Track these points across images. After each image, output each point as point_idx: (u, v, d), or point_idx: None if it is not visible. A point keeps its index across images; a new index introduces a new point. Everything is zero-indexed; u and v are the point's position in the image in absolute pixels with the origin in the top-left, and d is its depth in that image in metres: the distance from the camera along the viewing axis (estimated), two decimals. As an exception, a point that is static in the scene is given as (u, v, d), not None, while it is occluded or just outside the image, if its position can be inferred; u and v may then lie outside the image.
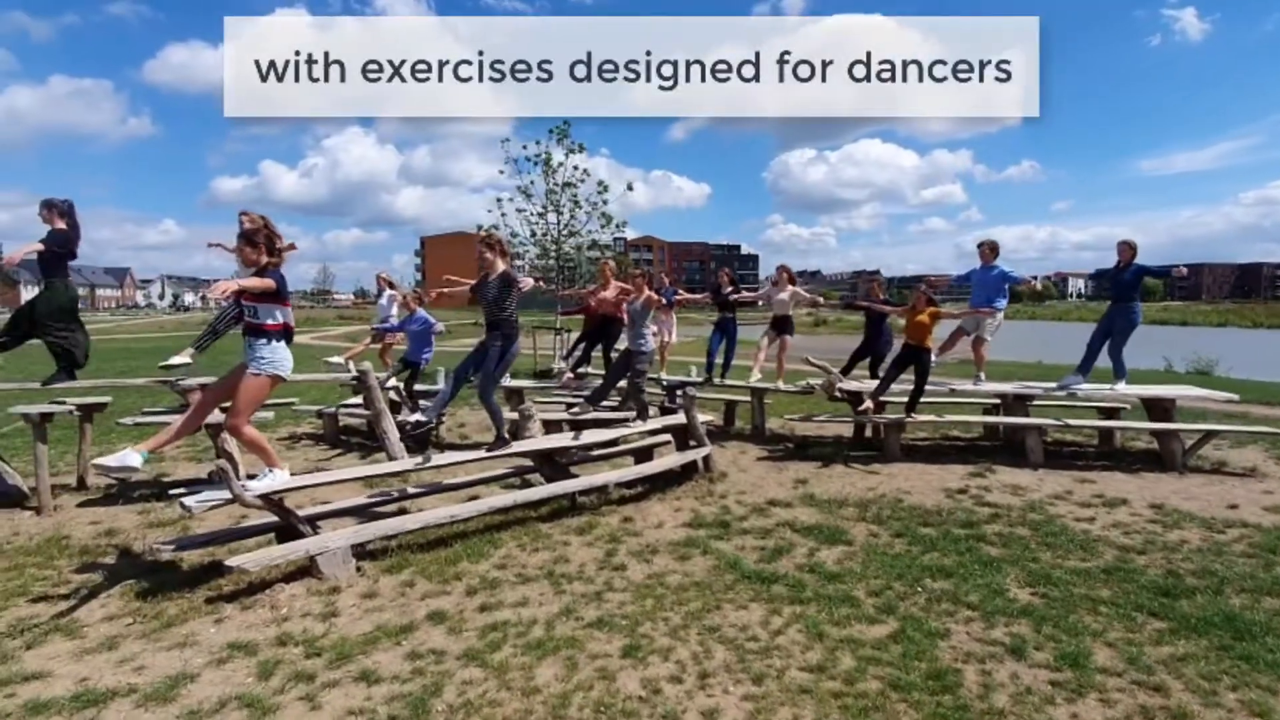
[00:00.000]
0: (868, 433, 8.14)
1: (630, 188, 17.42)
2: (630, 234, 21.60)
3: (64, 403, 5.96)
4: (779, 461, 7.24)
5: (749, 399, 8.86)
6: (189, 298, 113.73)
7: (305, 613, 3.66)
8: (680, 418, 6.45)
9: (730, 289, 8.71)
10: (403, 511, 5.21)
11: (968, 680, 2.98)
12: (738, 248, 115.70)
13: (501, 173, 16.33)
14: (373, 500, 5.10)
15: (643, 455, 6.74)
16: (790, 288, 8.47)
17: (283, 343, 4.09)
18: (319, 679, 3.01)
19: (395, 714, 2.75)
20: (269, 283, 3.93)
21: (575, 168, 15.99)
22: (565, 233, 16.53)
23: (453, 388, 5.13)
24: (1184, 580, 4.08)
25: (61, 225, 5.76)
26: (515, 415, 6.43)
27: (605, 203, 16.19)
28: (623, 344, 8.06)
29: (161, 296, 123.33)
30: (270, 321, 4.03)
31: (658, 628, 3.48)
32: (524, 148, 16.23)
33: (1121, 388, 7.34)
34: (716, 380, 8.75)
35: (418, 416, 5.07)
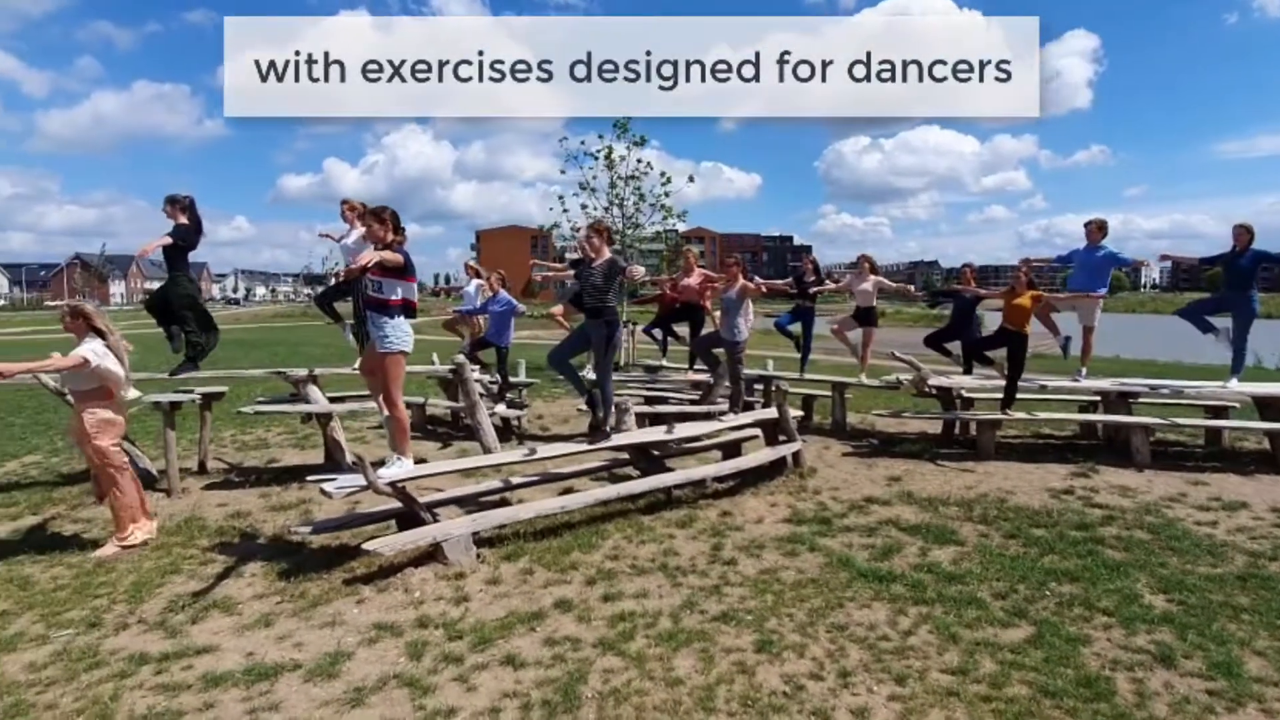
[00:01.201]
0: (956, 430, 7.93)
1: (691, 179, 17.36)
2: (681, 226, 21.58)
3: (190, 391, 6.34)
4: (866, 458, 7.13)
5: (829, 393, 8.77)
6: (260, 290, 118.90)
7: (438, 596, 3.82)
8: (771, 412, 6.43)
9: (814, 278, 8.63)
10: (504, 501, 5.36)
11: (1121, 688, 2.90)
12: (790, 239, 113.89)
13: (563, 171, 16.49)
14: (480, 490, 5.27)
15: (730, 449, 6.74)
16: (873, 277, 8.32)
17: (403, 317, 4.28)
18: (467, 661, 3.14)
19: (547, 698, 2.84)
20: (399, 257, 4.12)
21: (639, 160, 16.08)
22: (629, 225, 16.63)
23: (569, 373, 5.27)
24: (1327, 590, 3.87)
25: (184, 220, 6.09)
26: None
27: (668, 194, 16.23)
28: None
29: (235, 290, 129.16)
30: (394, 297, 4.24)
31: (784, 624, 3.49)
32: (581, 142, 16.37)
33: (1234, 385, 6.97)
34: (795, 374, 8.73)
35: (603, 418, 5.35)
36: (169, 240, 5.81)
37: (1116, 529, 4.93)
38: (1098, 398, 7.64)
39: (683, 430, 5.93)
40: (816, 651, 3.22)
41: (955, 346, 8.31)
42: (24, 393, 11.19)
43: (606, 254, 5.12)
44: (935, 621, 3.51)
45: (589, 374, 6.86)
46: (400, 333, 4.29)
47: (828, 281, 9.05)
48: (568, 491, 5.61)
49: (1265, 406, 6.94)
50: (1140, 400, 7.49)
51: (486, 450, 6.69)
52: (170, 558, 4.45)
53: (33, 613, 3.69)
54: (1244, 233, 6.70)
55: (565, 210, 16.52)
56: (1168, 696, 2.86)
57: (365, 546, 3.96)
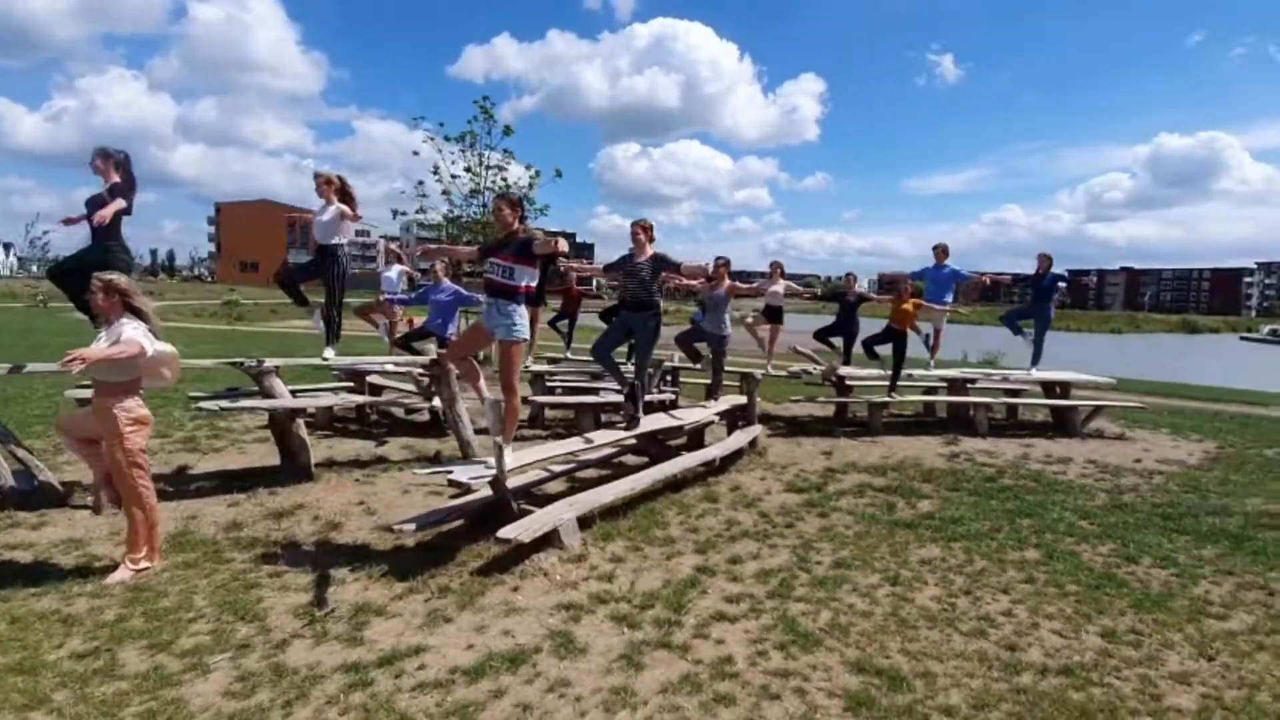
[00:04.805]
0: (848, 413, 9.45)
1: (559, 174, 17.49)
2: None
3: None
4: (786, 438, 8.23)
5: (735, 383, 9.82)
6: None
7: (584, 577, 3.92)
8: (741, 399, 7.21)
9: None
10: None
11: (1127, 579, 4.15)
12: (573, 235, 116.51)
13: (416, 153, 15.64)
14: (535, 479, 5.31)
15: (695, 435, 7.38)
16: (783, 281, 9.57)
17: (524, 305, 4.33)
18: (686, 624, 3.39)
19: (790, 639, 3.26)
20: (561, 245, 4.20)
21: (504, 150, 15.90)
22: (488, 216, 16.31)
23: (611, 366, 5.46)
24: (1177, 508, 5.55)
25: (118, 179, 5.06)
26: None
27: (532, 186, 16.24)
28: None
29: None
30: (522, 284, 4.25)
31: (888, 564, 4.27)
32: (441, 124, 15.71)
33: (1035, 373, 9.39)
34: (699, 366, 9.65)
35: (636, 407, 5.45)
36: (124, 204, 4.81)
37: (1010, 480, 6.53)
38: (944, 384, 9.69)
39: (689, 416, 6.46)
40: (932, 579, 4.05)
41: (838, 340, 9.89)
42: None
43: (649, 250, 5.44)
44: (977, 552, 4.55)
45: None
46: (524, 321, 4.32)
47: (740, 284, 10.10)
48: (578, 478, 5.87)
49: (1048, 389, 9.46)
50: (975, 385, 9.69)
51: (464, 444, 6.50)
52: (222, 575, 3.85)
53: (128, 646, 3.06)
54: (1046, 260, 9.08)
55: (425, 196, 15.74)
56: (1153, 579, 4.18)
57: (500, 534, 3.90)
